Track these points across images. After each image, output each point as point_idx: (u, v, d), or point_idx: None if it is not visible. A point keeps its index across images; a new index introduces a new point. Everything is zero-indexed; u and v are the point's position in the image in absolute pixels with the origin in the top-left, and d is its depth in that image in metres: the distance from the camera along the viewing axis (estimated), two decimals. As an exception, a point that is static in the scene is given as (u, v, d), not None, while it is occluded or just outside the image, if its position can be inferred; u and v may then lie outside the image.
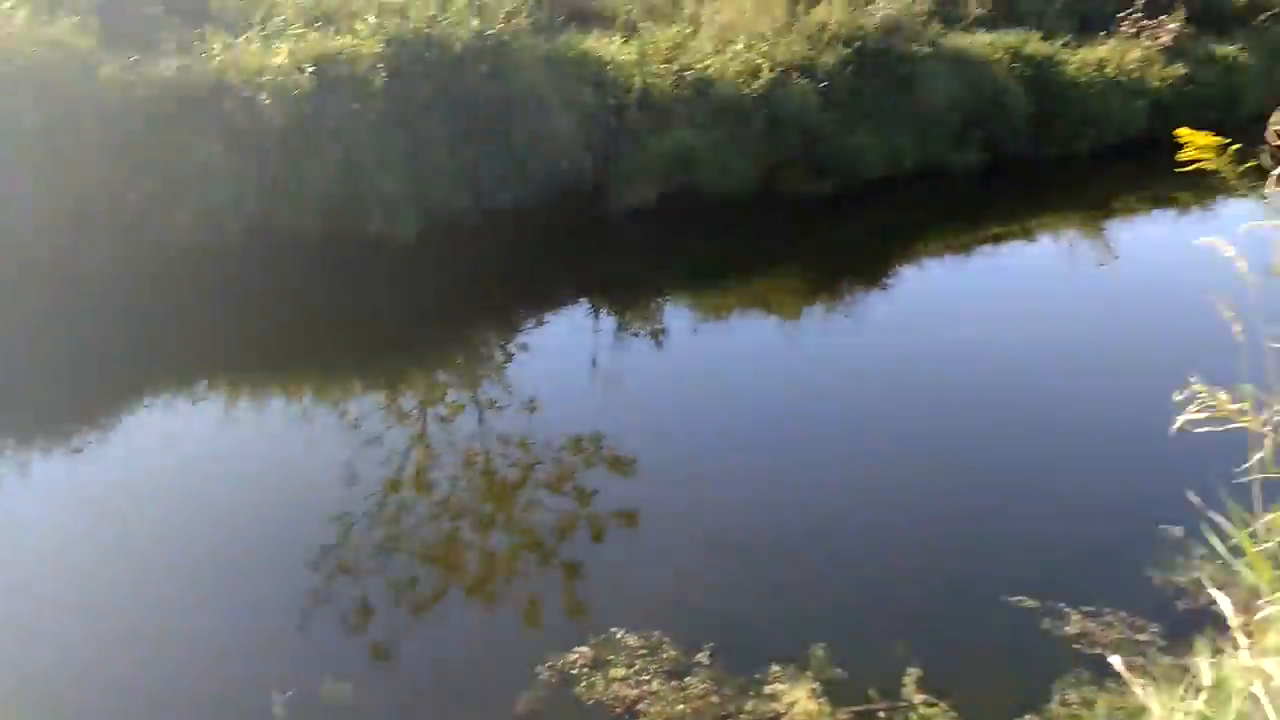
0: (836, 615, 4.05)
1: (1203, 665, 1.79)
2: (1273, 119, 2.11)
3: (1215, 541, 1.96)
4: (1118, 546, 4.43)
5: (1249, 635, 1.84)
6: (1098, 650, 3.65)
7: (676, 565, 4.37)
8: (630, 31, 10.43)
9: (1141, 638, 3.78)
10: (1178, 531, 4.30)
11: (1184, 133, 2.28)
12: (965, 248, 9.90)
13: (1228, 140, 2.23)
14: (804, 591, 4.23)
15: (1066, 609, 3.90)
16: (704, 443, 5.57)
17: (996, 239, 10.23)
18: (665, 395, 6.32)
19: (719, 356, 6.99)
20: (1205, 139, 2.26)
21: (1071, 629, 3.82)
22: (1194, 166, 2.28)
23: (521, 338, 7.27)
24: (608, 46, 9.85)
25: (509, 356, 6.94)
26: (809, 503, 4.96)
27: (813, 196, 10.29)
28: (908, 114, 11.13)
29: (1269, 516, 1.95)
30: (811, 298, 8.38)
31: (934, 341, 7.13)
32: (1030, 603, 3.93)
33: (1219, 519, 1.97)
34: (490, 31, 8.46)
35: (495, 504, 5.01)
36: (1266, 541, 1.92)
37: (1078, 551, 4.44)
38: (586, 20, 10.74)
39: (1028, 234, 10.60)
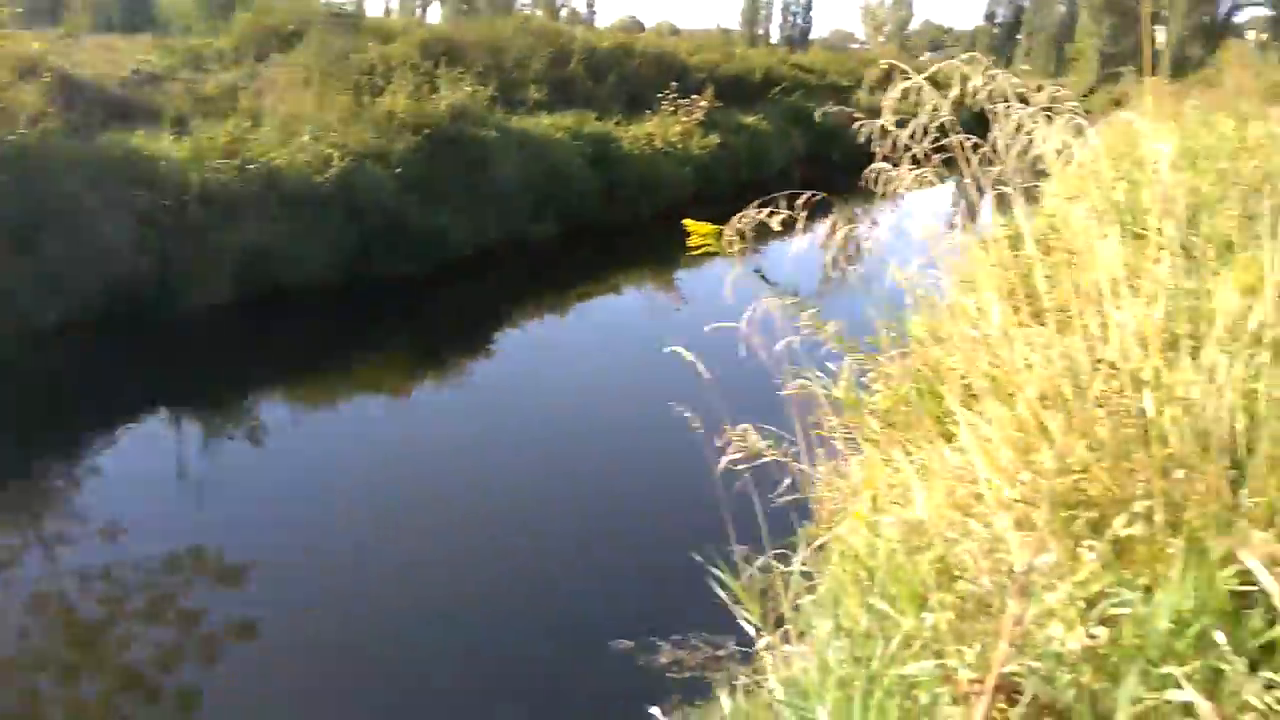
0: (460, 699, 4.10)
1: (722, 696, 2.03)
2: (733, 220, 2.48)
3: (714, 586, 2.23)
4: (693, 576, 4.89)
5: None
6: (688, 674, 4.00)
7: (294, 673, 4.23)
8: (181, 127, 9.89)
9: (722, 653, 4.20)
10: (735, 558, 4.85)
11: (689, 223, 2.64)
12: (554, 308, 10.68)
13: (719, 228, 2.61)
14: (425, 680, 4.22)
15: (659, 642, 4.23)
16: (312, 536, 5.37)
17: (581, 296, 11.07)
18: (267, 494, 6.01)
19: (320, 446, 6.79)
20: (705, 228, 2.65)
21: (665, 659, 4.16)
22: (700, 250, 2.65)
23: (89, 463, 6.53)
24: (157, 144, 9.26)
25: (75, 485, 6.20)
26: (420, 584, 4.95)
27: (406, 278, 10.40)
28: (485, 192, 11.66)
29: (761, 560, 2.27)
30: (412, 375, 8.46)
31: (529, 404, 7.52)
32: (628, 643, 4.22)
33: (713, 569, 2.25)
34: (11, 136, 7.62)
35: (79, 649, 4.46)
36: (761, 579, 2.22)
37: (661, 588, 4.85)
38: (130, 118, 10.04)
39: (610, 289, 11.59)
